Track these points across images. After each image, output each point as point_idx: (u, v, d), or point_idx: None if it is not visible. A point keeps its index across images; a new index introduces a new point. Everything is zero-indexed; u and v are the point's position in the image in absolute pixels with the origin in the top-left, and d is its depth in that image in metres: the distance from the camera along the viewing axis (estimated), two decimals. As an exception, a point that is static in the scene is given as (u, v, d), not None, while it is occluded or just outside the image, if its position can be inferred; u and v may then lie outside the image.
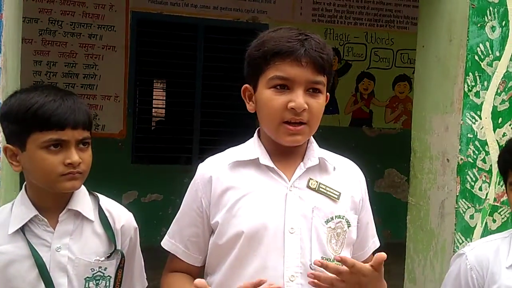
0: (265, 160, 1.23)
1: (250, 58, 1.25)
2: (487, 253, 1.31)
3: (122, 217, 1.32)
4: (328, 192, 1.22)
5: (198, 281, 1.08)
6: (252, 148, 1.26)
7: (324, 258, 1.18)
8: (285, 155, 1.24)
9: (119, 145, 4.84)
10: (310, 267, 1.16)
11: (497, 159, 1.43)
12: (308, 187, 1.22)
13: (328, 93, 1.27)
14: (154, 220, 4.56)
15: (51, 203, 1.23)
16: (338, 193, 1.23)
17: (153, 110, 5.98)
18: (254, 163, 1.23)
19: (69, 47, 4.75)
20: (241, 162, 1.24)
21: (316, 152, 1.26)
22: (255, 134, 1.30)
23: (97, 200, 1.31)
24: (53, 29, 4.69)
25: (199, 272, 1.30)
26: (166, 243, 1.30)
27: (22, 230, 1.21)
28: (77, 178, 1.21)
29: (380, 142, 5.42)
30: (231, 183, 1.22)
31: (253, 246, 1.18)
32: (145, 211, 4.16)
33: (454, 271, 1.36)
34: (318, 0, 5.39)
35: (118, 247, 1.28)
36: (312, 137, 1.28)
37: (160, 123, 6.64)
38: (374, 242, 1.36)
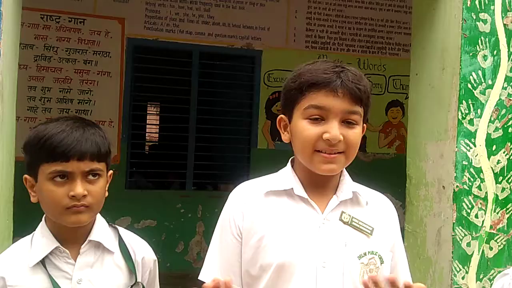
0: (299, 190, 1.22)
1: (286, 90, 1.25)
2: None
3: (143, 249, 1.32)
4: (361, 227, 1.21)
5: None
6: (286, 178, 1.25)
7: None
8: (318, 186, 1.23)
9: (113, 170, 4.80)
10: None
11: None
12: (341, 220, 1.20)
13: (365, 124, 1.26)
14: (147, 246, 4.49)
15: (71, 234, 1.22)
16: (371, 228, 1.21)
17: (147, 135, 5.99)
18: (288, 193, 1.23)
19: (64, 73, 4.76)
20: (275, 192, 1.23)
21: (349, 185, 1.25)
22: (289, 164, 1.29)
23: (117, 231, 1.30)
24: (48, 55, 4.71)
25: None
26: (208, 277, 1.23)
27: (43, 262, 1.20)
28: (82, 211, 1.19)
29: (375, 167, 5.43)
30: (265, 211, 1.21)
31: (284, 277, 1.16)
32: (138, 237, 4.10)
33: None
34: (311, 28, 5.47)
35: (139, 279, 1.26)
36: (345, 170, 1.27)
37: (154, 148, 6.63)
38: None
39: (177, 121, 5.44)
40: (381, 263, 1.20)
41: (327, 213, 1.20)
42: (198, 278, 1.27)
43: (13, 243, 2.01)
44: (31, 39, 4.55)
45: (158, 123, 7.25)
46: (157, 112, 7.80)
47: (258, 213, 1.21)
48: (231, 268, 1.23)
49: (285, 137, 1.26)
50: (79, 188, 1.17)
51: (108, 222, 1.30)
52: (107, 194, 1.27)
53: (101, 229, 1.26)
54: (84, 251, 1.23)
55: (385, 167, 5.33)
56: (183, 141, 5.23)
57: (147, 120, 6.98)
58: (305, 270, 1.16)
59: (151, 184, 5.25)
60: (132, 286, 1.25)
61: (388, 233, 1.25)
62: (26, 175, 1.24)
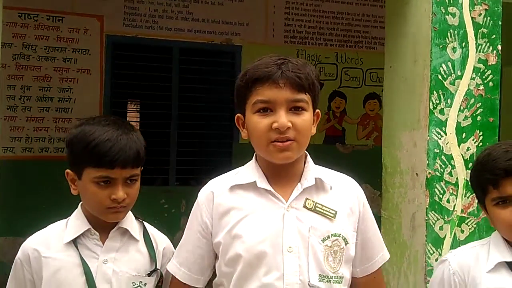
0: (262, 183, 1.29)
1: (236, 89, 1.33)
2: (468, 259, 1.40)
3: (164, 241, 1.45)
4: (324, 211, 1.28)
5: None
6: (250, 171, 1.33)
7: (322, 275, 1.24)
8: (282, 177, 1.30)
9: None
10: (308, 284, 1.22)
11: (470, 177, 1.51)
12: (305, 207, 1.27)
13: (318, 110, 1.33)
14: (131, 242, 4.52)
15: (102, 221, 1.36)
16: (334, 212, 1.28)
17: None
18: (252, 186, 1.30)
19: (43, 71, 4.73)
20: (240, 186, 1.31)
21: (312, 172, 1.32)
22: (253, 158, 1.36)
23: (142, 224, 1.45)
24: (27, 54, 4.67)
25: None
26: (172, 267, 1.37)
27: (75, 242, 1.34)
28: (121, 211, 1.34)
29: (353, 159, 5.55)
30: (232, 205, 1.29)
31: (254, 265, 1.24)
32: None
33: (438, 276, 1.44)
34: (289, 23, 5.55)
35: (159, 267, 1.38)
36: (309, 156, 1.34)
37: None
38: (383, 254, 1.40)
39: (159, 118, 5.47)
40: (345, 244, 1.28)
41: (290, 201, 1.28)
42: (167, 267, 1.39)
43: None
44: (9, 38, 4.50)
45: (138, 120, 7.25)
46: (138, 109, 7.79)
47: (224, 208, 1.29)
48: (195, 261, 1.33)
49: (244, 134, 1.33)
50: (121, 192, 1.31)
51: (135, 216, 1.43)
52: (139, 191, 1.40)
53: (129, 219, 1.40)
54: (112, 236, 1.36)
55: (363, 158, 5.45)
56: (165, 138, 5.26)
57: (127, 118, 6.97)
58: (272, 256, 1.23)
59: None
60: (151, 272, 1.36)
61: (352, 213, 1.32)
62: (68, 170, 1.37)
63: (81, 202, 1.39)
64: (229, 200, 1.30)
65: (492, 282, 1.34)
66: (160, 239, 1.45)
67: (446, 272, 1.42)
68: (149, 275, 1.36)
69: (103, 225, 1.36)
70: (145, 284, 1.34)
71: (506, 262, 1.36)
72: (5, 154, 4.56)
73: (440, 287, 1.43)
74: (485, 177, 1.39)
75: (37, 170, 4.62)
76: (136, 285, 1.34)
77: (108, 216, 1.33)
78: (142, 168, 1.40)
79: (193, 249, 1.33)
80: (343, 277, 1.28)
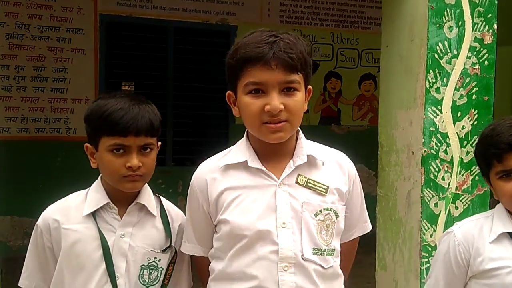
0: (253, 162, 1.30)
1: (227, 66, 1.31)
2: (472, 230, 1.45)
3: (180, 217, 1.46)
4: (316, 187, 1.30)
5: None
6: (241, 150, 1.33)
7: (316, 249, 1.28)
8: (274, 154, 1.31)
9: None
10: (302, 258, 1.26)
11: (474, 152, 1.55)
12: (297, 183, 1.29)
13: (310, 87, 1.34)
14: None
15: (121, 195, 1.38)
16: (325, 187, 1.31)
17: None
18: (244, 165, 1.31)
19: (37, 51, 4.70)
20: (232, 165, 1.32)
21: (304, 149, 1.33)
22: (245, 136, 1.36)
23: (159, 200, 1.45)
24: (21, 33, 4.63)
25: None
26: (190, 249, 1.39)
27: (93, 214, 1.36)
28: (137, 180, 1.35)
29: (349, 139, 5.59)
30: (225, 185, 1.31)
31: (250, 242, 1.27)
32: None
33: (444, 247, 1.49)
34: (285, 2, 5.51)
35: (173, 244, 1.40)
36: (301, 133, 1.36)
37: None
38: (364, 226, 1.45)
39: (154, 98, 5.45)
40: (336, 217, 1.32)
41: (282, 178, 1.29)
42: (181, 250, 1.41)
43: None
44: (1, 17, 4.46)
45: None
46: (132, 90, 7.74)
47: (218, 191, 1.31)
48: (205, 235, 1.36)
49: (235, 111, 1.33)
50: (135, 160, 1.32)
51: (153, 191, 1.44)
52: (155, 163, 1.40)
53: (147, 195, 1.41)
54: (130, 211, 1.38)
55: (359, 139, 5.49)
56: (161, 118, 5.25)
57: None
58: (267, 232, 1.26)
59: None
60: (166, 248, 1.39)
61: (341, 187, 1.35)
62: (87, 144, 1.39)
63: (101, 175, 1.41)
64: (222, 182, 1.31)
65: (494, 251, 1.39)
66: (176, 216, 1.46)
67: (451, 243, 1.46)
68: (163, 251, 1.38)
69: (122, 200, 1.38)
70: (159, 260, 1.37)
71: (509, 233, 1.40)
72: (1, 134, 4.55)
73: (445, 258, 1.48)
74: (489, 151, 1.42)
75: (33, 150, 4.62)
76: (151, 261, 1.36)
77: (125, 185, 1.34)
78: (159, 141, 1.41)
79: (205, 228, 1.36)
80: (334, 249, 1.32)
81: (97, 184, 1.41)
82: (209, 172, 1.34)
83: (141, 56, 5.19)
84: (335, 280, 1.33)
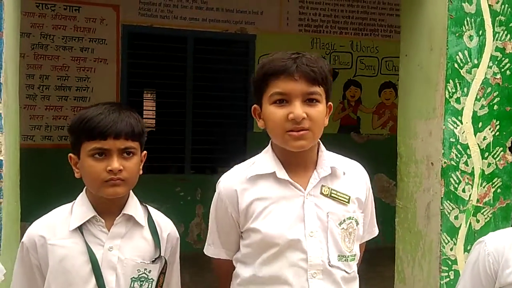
0: (281, 173, 1.37)
1: (254, 82, 1.40)
2: (504, 241, 1.44)
3: (168, 226, 1.45)
4: (339, 197, 1.38)
5: None
6: (268, 161, 1.40)
7: (340, 256, 1.36)
8: (297, 165, 1.38)
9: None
10: (329, 265, 1.34)
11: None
12: (322, 193, 1.37)
13: (330, 103, 1.41)
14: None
15: (107, 206, 1.36)
16: (347, 197, 1.39)
17: (144, 121, 6.03)
18: (272, 175, 1.38)
19: (61, 61, 4.81)
20: (260, 176, 1.38)
21: (327, 160, 1.40)
22: (269, 146, 1.43)
23: (146, 209, 1.44)
24: (45, 43, 4.75)
25: None
26: (215, 252, 1.45)
27: (80, 228, 1.35)
28: (118, 184, 1.33)
29: (369, 148, 5.54)
30: (255, 195, 1.37)
31: (279, 251, 1.34)
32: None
33: (474, 257, 1.49)
34: (304, 11, 5.52)
35: (162, 254, 1.40)
36: (322, 145, 1.42)
37: (152, 134, 6.70)
38: (373, 230, 1.54)
39: (174, 107, 5.51)
40: (356, 225, 1.40)
41: (309, 190, 1.37)
42: (205, 252, 1.47)
43: (21, 227, 2.11)
44: (27, 27, 4.58)
45: (154, 109, 7.31)
46: (154, 98, 7.85)
47: (248, 201, 1.36)
48: (231, 240, 1.42)
49: (260, 123, 1.40)
50: (115, 163, 1.31)
51: (139, 201, 1.44)
52: (141, 172, 1.40)
53: (134, 205, 1.40)
54: (117, 223, 1.36)
55: (379, 148, 5.43)
56: (180, 126, 5.31)
57: (144, 107, 7.04)
58: (296, 241, 1.34)
59: (150, 169, 5.33)
60: (156, 258, 1.38)
61: (360, 196, 1.43)
62: (70, 154, 1.38)
63: (85, 188, 1.39)
64: (251, 192, 1.37)
65: None
66: (165, 225, 1.45)
67: (481, 253, 1.46)
68: (153, 262, 1.37)
69: (108, 211, 1.36)
70: (149, 271, 1.36)
71: None
72: (26, 142, 4.65)
73: (475, 267, 1.47)
74: None
75: (57, 158, 4.70)
76: (141, 272, 1.35)
77: (107, 190, 1.31)
78: (142, 146, 1.39)
79: (231, 233, 1.41)
80: (356, 254, 1.40)
81: (82, 197, 1.39)
82: (239, 183, 1.39)
83: (161, 65, 5.26)
84: (354, 283, 1.42)
